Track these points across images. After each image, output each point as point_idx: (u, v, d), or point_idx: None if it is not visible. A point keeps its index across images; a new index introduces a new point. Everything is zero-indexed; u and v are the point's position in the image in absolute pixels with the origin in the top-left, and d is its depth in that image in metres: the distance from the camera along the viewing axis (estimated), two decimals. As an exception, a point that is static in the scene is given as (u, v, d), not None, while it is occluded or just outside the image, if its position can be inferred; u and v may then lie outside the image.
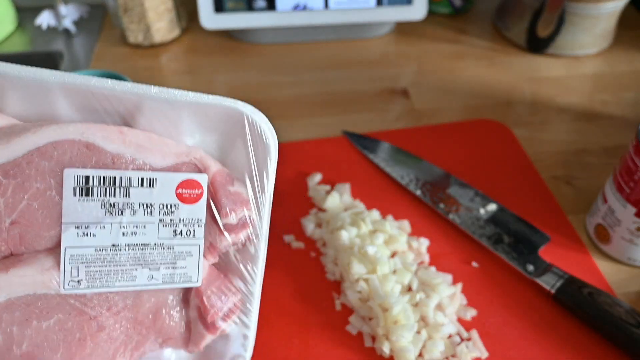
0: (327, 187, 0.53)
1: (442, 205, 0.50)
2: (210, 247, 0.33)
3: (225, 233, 0.33)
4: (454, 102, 0.64)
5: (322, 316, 0.43)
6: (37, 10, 0.78)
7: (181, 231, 0.31)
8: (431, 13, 0.78)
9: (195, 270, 0.32)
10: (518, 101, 0.64)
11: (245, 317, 0.35)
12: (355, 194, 0.52)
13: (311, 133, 0.60)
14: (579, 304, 0.42)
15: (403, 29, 0.76)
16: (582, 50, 0.70)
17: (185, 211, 0.31)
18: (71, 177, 0.29)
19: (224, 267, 0.35)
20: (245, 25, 0.70)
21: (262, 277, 0.36)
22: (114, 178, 0.29)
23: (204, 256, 0.33)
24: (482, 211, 0.50)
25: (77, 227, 0.29)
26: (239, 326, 0.36)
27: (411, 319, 0.41)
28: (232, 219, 0.32)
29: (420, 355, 0.40)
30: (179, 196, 0.30)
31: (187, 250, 0.32)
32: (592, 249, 0.48)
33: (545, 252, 0.47)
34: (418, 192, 0.52)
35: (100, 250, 0.30)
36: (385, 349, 0.40)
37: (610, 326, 0.40)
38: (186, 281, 0.33)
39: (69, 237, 0.29)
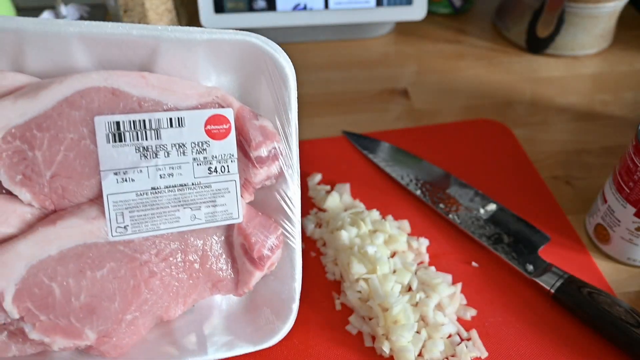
0: (327, 187, 0.53)
1: (442, 205, 0.50)
2: (245, 183, 0.33)
3: (258, 166, 0.33)
4: (454, 102, 0.64)
5: (322, 316, 0.43)
6: (37, 11, 0.78)
7: (215, 168, 0.32)
8: (431, 13, 0.78)
9: (234, 206, 0.33)
10: (518, 101, 0.64)
11: (290, 253, 0.35)
12: (355, 194, 0.52)
13: (311, 133, 0.60)
14: (579, 304, 0.42)
15: (403, 29, 0.76)
16: (581, 50, 0.70)
17: (216, 147, 0.31)
18: (102, 124, 0.29)
19: (261, 207, 0.35)
20: (245, 25, 0.70)
21: (300, 211, 0.35)
22: (144, 121, 0.30)
23: (241, 195, 0.33)
24: (482, 211, 0.50)
25: (116, 174, 0.30)
26: (284, 266, 0.36)
27: (411, 318, 0.41)
28: (263, 151, 0.33)
29: (420, 355, 0.40)
30: (208, 132, 0.31)
31: (225, 187, 0.32)
32: (592, 249, 0.48)
33: (545, 252, 0.47)
34: (418, 192, 0.52)
35: (141, 194, 0.30)
36: (385, 349, 0.40)
37: (610, 326, 0.40)
38: (228, 218, 0.33)
39: (109, 184, 0.30)
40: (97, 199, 0.30)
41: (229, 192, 0.33)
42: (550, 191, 0.53)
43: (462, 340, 0.42)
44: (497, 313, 0.44)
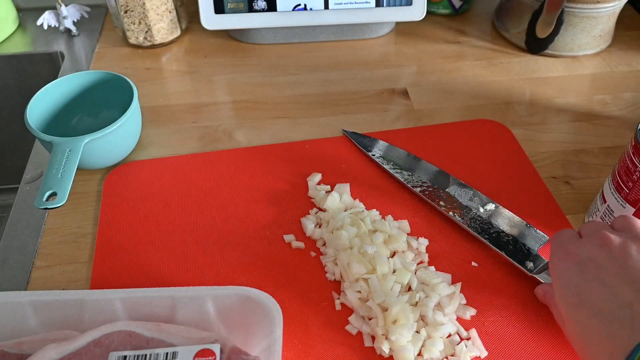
0: (327, 187, 0.53)
1: (442, 204, 0.50)
2: None
3: None
4: (454, 102, 0.64)
5: (322, 316, 0.43)
6: (38, 11, 0.78)
7: None
8: (431, 13, 0.78)
9: None
10: (517, 101, 0.64)
11: None
12: (355, 194, 0.53)
13: (311, 133, 0.60)
14: None
15: (403, 29, 0.77)
16: (581, 50, 0.70)
17: None
18: (114, 357, 0.36)
19: None
20: (246, 25, 0.70)
21: None
22: (145, 355, 0.36)
23: None
24: (481, 210, 0.50)
25: None
26: None
27: (410, 318, 0.41)
28: None
29: (419, 354, 0.41)
30: None
31: None
32: (591, 249, 0.48)
33: (545, 252, 0.47)
34: (417, 190, 0.52)
35: None
36: (385, 349, 0.40)
37: None
38: None
39: None
40: None
41: None
42: (550, 191, 0.53)
43: (461, 339, 0.42)
44: (497, 312, 0.44)
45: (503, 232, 0.48)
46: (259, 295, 0.39)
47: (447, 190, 0.52)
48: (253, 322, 0.39)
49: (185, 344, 0.37)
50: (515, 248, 0.47)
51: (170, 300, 0.39)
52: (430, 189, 0.52)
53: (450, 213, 0.50)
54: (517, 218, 0.49)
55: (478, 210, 0.50)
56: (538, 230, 0.48)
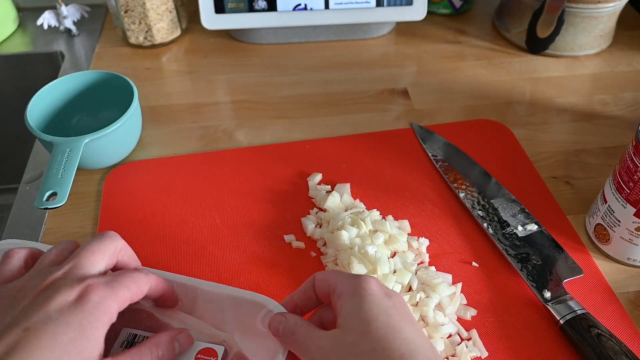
0: (328, 187, 0.53)
1: (480, 213, 0.50)
2: None
3: None
4: (454, 102, 0.64)
5: (323, 316, 0.43)
6: (38, 11, 0.78)
7: None
8: (431, 13, 0.78)
9: None
10: (518, 101, 0.64)
11: None
12: (355, 194, 0.53)
13: (311, 133, 0.60)
14: (583, 342, 0.40)
15: (403, 29, 0.76)
16: (581, 50, 0.70)
17: None
18: (125, 333, 0.38)
19: None
20: (246, 25, 0.70)
21: None
22: None
23: None
24: (519, 228, 0.48)
25: None
26: None
27: (411, 318, 0.41)
28: None
29: (420, 354, 0.41)
30: (196, 359, 0.37)
31: None
32: (592, 249, 0.48)
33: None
34: (462, 195, 0.51)
35: None
36: (386, 349, 0.40)
37: None
38: None
39: None
40: None
41: None
42: (550, 191, 0.53)
43: (462, 340, 0.42)
44: (498, 313, 0.44)
45: (533, 255, 0.46)
46: (276, 307, 0.38)
47: (491, 200, 0.51)
48: (265, 331, 0.38)
49: (195, 338, 0.38)
50: (539, 273, 0.45)
51: (194, 290, 0.39)
52: (477, 197, 0.51)
53: (485, 224, 0.49)
54: (556, 244, 0.47)
55: (516, 227, 0.48)
56: (575, 263, 0.46)
